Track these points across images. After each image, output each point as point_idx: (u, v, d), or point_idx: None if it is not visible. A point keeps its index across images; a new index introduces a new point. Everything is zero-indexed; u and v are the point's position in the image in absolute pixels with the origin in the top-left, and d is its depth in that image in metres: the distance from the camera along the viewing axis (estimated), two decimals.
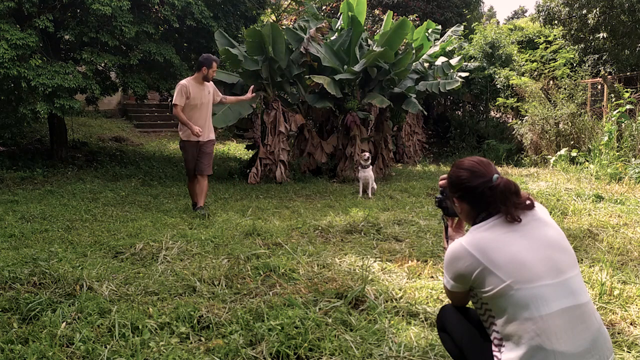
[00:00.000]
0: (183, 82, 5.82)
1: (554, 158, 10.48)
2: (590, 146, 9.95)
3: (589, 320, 1.69)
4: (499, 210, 1.81)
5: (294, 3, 15.32)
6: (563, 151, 10.36)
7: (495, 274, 1.70)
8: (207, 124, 6.01)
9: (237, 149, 14.49)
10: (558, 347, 1.62)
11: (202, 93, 5.87)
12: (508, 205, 1.79)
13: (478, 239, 1.79)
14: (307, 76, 9.00)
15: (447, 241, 2.17)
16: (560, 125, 11.16)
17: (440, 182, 2.10)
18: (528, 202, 1.83)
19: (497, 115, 16.38)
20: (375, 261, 3.94)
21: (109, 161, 10.43)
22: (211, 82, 6.05)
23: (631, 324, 2.80)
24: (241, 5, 10.21)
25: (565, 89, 11.40)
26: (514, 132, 12.73)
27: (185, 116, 5.78)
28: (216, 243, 4.41)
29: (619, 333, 2.68)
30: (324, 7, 17.27)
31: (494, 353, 1.75)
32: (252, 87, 6.58)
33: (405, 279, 3.51)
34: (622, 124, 9.38)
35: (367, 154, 7.56)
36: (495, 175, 1.84)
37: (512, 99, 13.04)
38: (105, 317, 2.74)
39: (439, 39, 13.66)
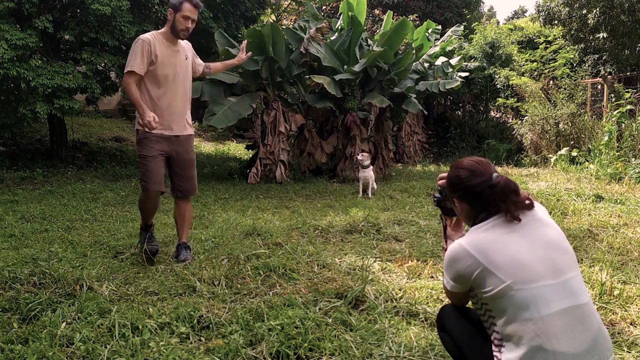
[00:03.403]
0: (145, 36, 3.65)
1: (554, 158, 10.48)
2: (590, 146, 9.96)
3: (589, 321, 1.69)
4: (499, 209, 1.81)
5: (294, 3, 15.32)
6: (563, 151, 10.37)
7: (495, 275, 1.70)
8: (186, 109, 3.89)
9: (237, 149, 14.49)
10: (558, 347, 1.62)
11: (176, 57, 3.76)
12: (508, 203, 1.79)
13: (478, 240, 1.79)
14: (307, 76, 9.00)
15: (446, 241, 2.17)
16: (560, 125, 11.17)
17: (439, 182, 2.10)
18: (527, 201, 1.83)
19: (497, 115, 16.39)
20: (375, 261, 3.94)
21: (109, 161, 10.43)
22: (188, 43, 3.95)
23: (631, 324, 2.80)
24: (241, 6, 10.21)
25: (565, 89, 11.41)
26: (514, 132, 12.73)
27: (144, 93, 3.68)
28: (216, 243, 4.41)
29: (619, 333, 2.68)
30: (324, 7, 17.28)
31: (494, 353, 1.75)
32: (244, 42, 4.57)
33: (405, 279, 3.51)
34: (622, 124, 9.38)
35: (361, 155, 7.52)
36: (495, 174, 1.84)
37: (512, 99, 13.05)
38: (105, 317, 2.74)
39: (439, 39, 13.67)
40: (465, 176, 1.87)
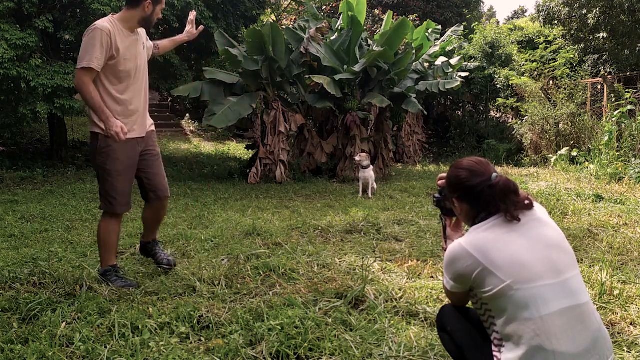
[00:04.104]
0: (102, 24, 3.09)
1: (554, 158, 10.48)
2: (590, 146, 9.96)
3: (588, 320, 1.69)
4: (499, 209, 1.81)
5: (294, 3, 15.32)
6: (563, 151, 10.37)
7: (495, 274, 1.70)
8: (147, 106, 3.45)
9: (237, 149, 14.49)
10: (558, 347, 1.62)
11: (136, 48, 3.28)
12: (507, 204, 1.79)
13: (478, 239, 1.79)
14: (307, 76, 9.00)
15: (446, 241, 2.17)
16: (560, 125, 11.17)
17: (439, 182, 2.10)
18: (527, 201, 1.83)
19: (497, 115, 16.38)
20: (375, 261, 3.94)
21: None
22: (142, 29, 3.39)
23: (631, 324, 2.80)
24: (241, 6, 10.22)
25: (565, 89, 11.41)
26: (514, 132, 12.73)
27: (101, 91, 3.13)
28: (216, 243, 4.41)
29: (619, 333, 2.68)
30: (324, 7, 17.28)
31: (494, 353, 1.75)
32: (192, 14, 3.83)
33: (405, 279, 3.51)
34: (622, 124, 9.38)
35: (359, 155, 7.53)
36: (495, 174, 1.84)
37: (512, 99, 13.05)
38: (105, 317, 2.74)
39: (439, 39, 13.66)
40: (465, 176, 1.88)
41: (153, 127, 3.51)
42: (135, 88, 3.27)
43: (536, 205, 1.88)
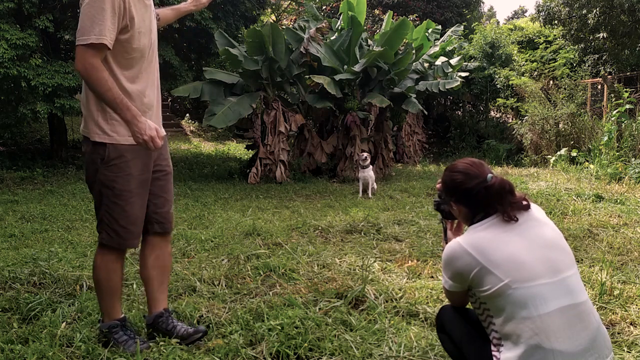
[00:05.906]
0: None
1: (554, 158, 10.48)
2: (590, 146, 9.96)
3: (587, 319, 1.69)
4: (496, 210, 1.82)
5: (294, 3, 15.33)
6: (563, 151, 10.36)
7: (493, 273, 1.71)
8: (159, 97, 2.51)
9: (237, 149, 14.50)
10: (557, 345, 1.62)
11: (150, 16, 2.38)
12: (504, 204, 1.80)
13: (476, 239, 1.79)
14: (307, 76, 9.01)
15: (446, 244, 2.17)
16: (560, 125, 11.17)
17: (438, 186, 2.11)
18: (524, 202, 1.84)
19: (497, 115, 16.39)
20: (375, 261, 3.93)
21: None
22: None
23: (631, 324, 2.80)
24: (241, 6, 10.22)
25: (565, 89, 11.41)
26: (514, 132, 12.73)
27: (115, 80, 2.19)
28: (216, 243, 4.42)
29: (619, 333, 2.68)
30: (324, 7, 17.28)
31: (493, 353, 1.75)
32: None
33: (405, 279, 3.51)
34: (622, 124, 9.38)
35: (365, 154, 7.56)
36: (490, 175, 1.85)
37: (512, 99, 13.05)
38: None
39: (439, 39, 13.67)
40: (460, 180, 1.88)
41: (164, 133, 2.39)
42: (148, 73, 2.38)
43: (533, 205, 1.89)
